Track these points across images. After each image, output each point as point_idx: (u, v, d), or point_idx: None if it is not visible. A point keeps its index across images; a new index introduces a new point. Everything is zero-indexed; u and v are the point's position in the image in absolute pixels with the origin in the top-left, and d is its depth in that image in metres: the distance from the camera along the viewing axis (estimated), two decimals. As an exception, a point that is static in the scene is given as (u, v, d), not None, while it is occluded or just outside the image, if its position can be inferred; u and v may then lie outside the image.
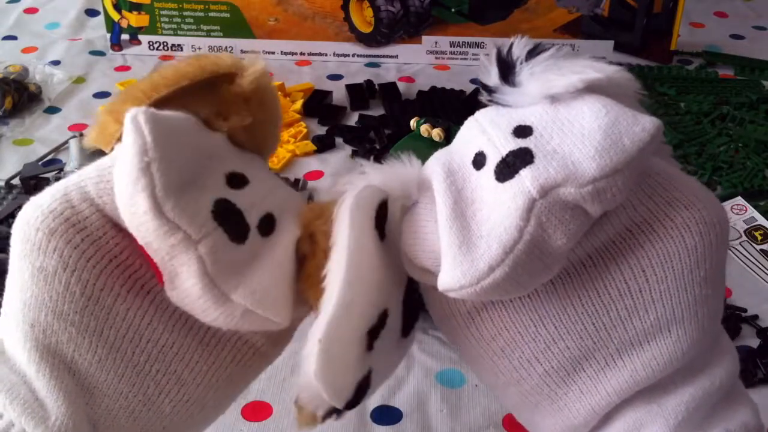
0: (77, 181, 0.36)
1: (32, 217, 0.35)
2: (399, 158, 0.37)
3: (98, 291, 0.35)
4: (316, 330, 0.33)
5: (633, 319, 0.35)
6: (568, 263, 0.35)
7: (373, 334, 0.35)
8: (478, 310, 0.37)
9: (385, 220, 0.36)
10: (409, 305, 0.37)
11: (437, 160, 0.36)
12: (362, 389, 0.35)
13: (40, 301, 0.34)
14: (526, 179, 0.32)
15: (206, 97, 0.37)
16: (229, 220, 0.34)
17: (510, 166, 0.32)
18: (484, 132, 0.35)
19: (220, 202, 0.34)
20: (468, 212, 0.33)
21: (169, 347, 0.36)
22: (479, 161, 0.34)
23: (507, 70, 0.36)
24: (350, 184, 0.36)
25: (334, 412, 0.36)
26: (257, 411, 0.59)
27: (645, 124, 0.32)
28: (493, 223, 0.32)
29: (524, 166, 0.32)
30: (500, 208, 0.32)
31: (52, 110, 0.93)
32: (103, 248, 0.35)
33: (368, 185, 0.36)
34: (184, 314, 0.36)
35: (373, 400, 0.59)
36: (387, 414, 0.59)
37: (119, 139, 0.35)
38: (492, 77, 0.36)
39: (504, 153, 0.33)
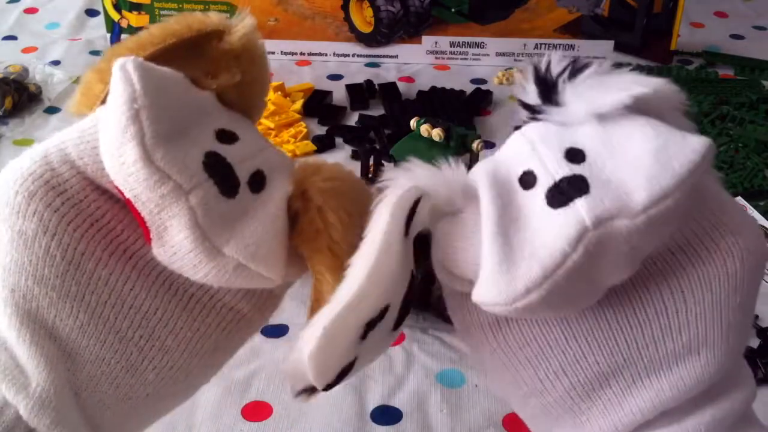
0: (57, 143, 0.35)
1: (11, 180, 0.34)
2: (447, 162, 0.36)
3: (79, 255, 0.34)
4: (323, 316, 0.33)
5: (666, 339, 0.35)
6: None
7: (371, 325, 0.34)
8: (507, 318, 0.36)
9: (413, 217, 0.35)
10: (406, 302, 0.37)
11: (483, 170, 0.35)
12: (343, 374, 0.35)
13: (20, 265, 0.34)
14: (581, 209, 0.31)
15: (193, 59, 0.37)
16: (220, 173, 0.34)
17: (564, 193, 0.32)
18: (534, 150, 0.34)
19: (210, 155, 0.34)
20: (512, 230, 0.33)
21: (152, 313, 0.35)
22: (528, 181, 0.34)
23: (548, 89, 0.35)
24: (395, 180, 0.35)
25: (311, 390, 0.35)
26: (257, 411, 0.59)
27: (695, 146, 0.32)
28: (539, 246, 0.32)
29: (579, 195, 0.32)
30: (549, 233, 0.32)
31: (52, 110, 0.93)
32: (84, 212, 0.34)
33: (414, 186, 0.35)
34: (167, 280, 0.36)
35: (373, 400, 0.59)
36: (387, 414, 0.59)
37: (104, 101, 0.35)
38: (530, 96, 0.36)
39: (557, 178, 0.33)
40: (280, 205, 0.35)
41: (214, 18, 0.37)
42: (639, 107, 0.34)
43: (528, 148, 0.35)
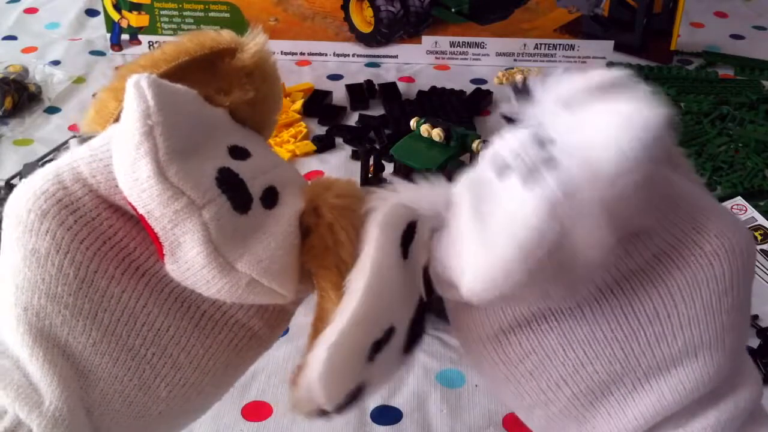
0: (69, 161, 0.35)
1: (24, 198, 0.34)
2: (429, 180, 0.37)
3: (92, 273, 0.34)
4: (327, 336, 0.33)
5: (661, 344, 0.35)
6: (597, 288, 0.35)
7: (377, 347, 0.35)
8: (505, 332, 0.37)
9: (411, 240, 0.35)
10: (416, 325, 0.37)
11: (464, 176, 0.36)
12: (354, 396, 0.35)
13: (33, 283, 0.34)
14: (551, 183, 0.32)
15: (206, 76, 0.37)
16: (233, 189, 0.34)
17: (535, 173, 0.32)
18: (509, 146, 0.35)
19: (223, 170, 0.34)
20: (489, 218, 0.33)
21: (164, 330, 0.36)
22: (503, 172, 0.34)
23: (523, 94, 0.36)
24: (381, 200, 0.35)
25: (324, 413, 0.36)
26: (257, 411, 0.59)
27: (657, 113, 0.32)
28: (515, 226, 0.32)
29: (549, 172, 0.32)
30: (523, 212, 0.32)
31: (52, 110, 0.93)
32: (97, 230, 0.34)
33: (399, 203, 0.35)
34: (179, 297, 0.36)
35: (373, 400, 0.59)
36: (387, 414, 0.59)
37: (117, 119, 0.35)
38: (511, 106, 0.37)
39: (529, 162, 0.33)
40: (292, 221, 0.35)
41: (226, 36, 0.37)
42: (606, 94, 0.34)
43: (504, 146, 0.35)
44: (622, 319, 0.35)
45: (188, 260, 0.33)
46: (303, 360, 0.35)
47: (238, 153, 0.36)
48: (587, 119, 0.33)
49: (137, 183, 0.32)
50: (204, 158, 0.34)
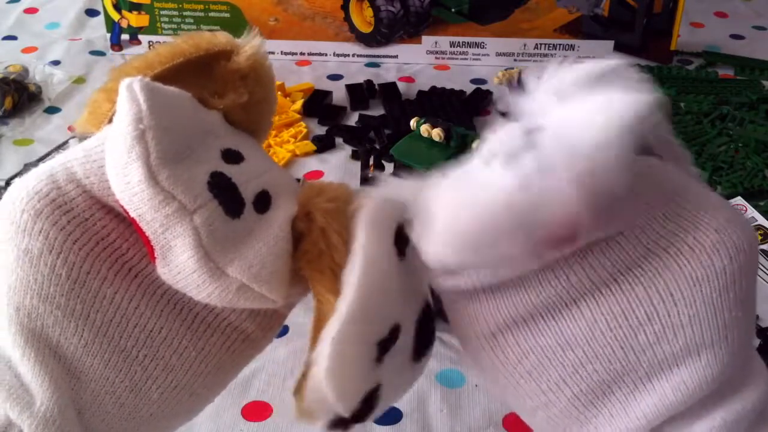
0: (63, 161, 0.35)
1: (18, 198, 0.34)
2: (416, 174, 0.36)
3: (84, 274, 0.34)
4: (329, 329, 0.33)
5: (662, 342, 0.34)
6: (594, 285, 0.35)
7: (384, 346, 0.34)
8: (502, 331, 0.36)
9: (407, 242, 0.35)
10: (422, 330, 0.37)
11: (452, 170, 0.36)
12: (369, 402, 0.35)
13: (26, 284, 0.34)
14: (527, 161, 0.31)
15: (200, 78, 0.37)
16: (225, 193, 0.34)
17: (516, 156, 0.32)
18: (498, 138, 0.35)
19: (215, 174, 0.34)
20: (462, 189, 0.33)
21: (156, 332, 0.35)
22: (489, 161, 0.34)
23: (519, 90, 0.36)
24: (367, 197, 0.35)
25: (340, 423, 0.35)
26: (257, 411, 0.59)
27: (640, 96, 0.32)
28: (481, 192, 0.32)
29: (528, 152, 0.32)
30: (494, 181, 0.32)
31: (52, 110, 0.93)
32: (90, 230, 0.34)
33: (384, 198, 0.35)
34: (172, 299, 0.36)
35: (373, 400, 0.59)
36: (387, 414, 0.59)
37: (110, 120, 0.35)
38: (507, 104, 0.36)
39: (512, 148, 0.33)
40: (284, 226, 0.35)
41: (221, 38, 0.37)
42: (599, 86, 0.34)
43: (494, 138, 0.35)
44: (620, 318, 0.34)
45: (179, 264, 0.33)
46: (305, 367, 0.35)
47: (232, 157, 0.35)
48: (574, 107, 0.33)
49: (129, 187, 0.32)
50: (196, 162, 0.34)
